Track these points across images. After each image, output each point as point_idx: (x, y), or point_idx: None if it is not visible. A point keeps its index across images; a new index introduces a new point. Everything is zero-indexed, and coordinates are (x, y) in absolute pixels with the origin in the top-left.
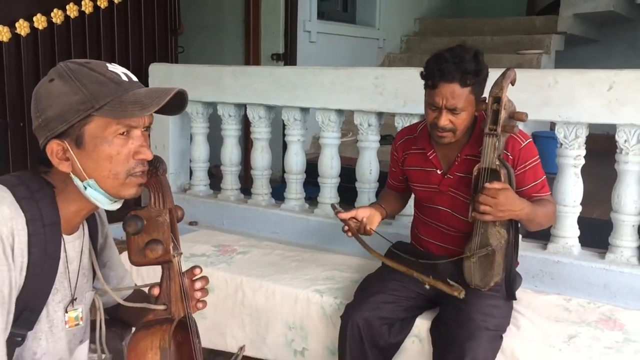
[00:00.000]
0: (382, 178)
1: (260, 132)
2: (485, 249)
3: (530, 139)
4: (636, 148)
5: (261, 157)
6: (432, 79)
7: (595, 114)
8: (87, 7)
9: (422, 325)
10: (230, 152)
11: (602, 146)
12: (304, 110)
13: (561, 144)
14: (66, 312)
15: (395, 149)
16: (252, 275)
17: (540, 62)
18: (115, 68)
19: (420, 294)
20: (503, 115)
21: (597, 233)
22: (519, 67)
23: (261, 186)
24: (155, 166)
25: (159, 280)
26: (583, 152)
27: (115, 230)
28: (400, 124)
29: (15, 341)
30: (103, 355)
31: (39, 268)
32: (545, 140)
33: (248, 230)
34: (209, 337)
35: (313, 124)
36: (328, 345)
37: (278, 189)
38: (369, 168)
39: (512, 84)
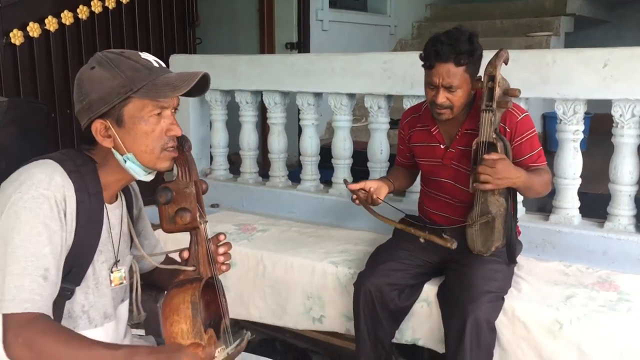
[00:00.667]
0: (392, 159)
1: (276, 117)
2: (485, 216)
3: (527, 113)
4: (631, 122)
5: (277, 141)
6: (429, 59)
7: (591, 91)
8: (110, 2)
9: (430, 290)
10: (249, 137)
11: (609, 126)
12: (317, 95)
13: (560, 120)
14: (111, 272)
15: (402, 127)
16: (272, 250)
17: (549, 44)
18: (147, 56)
19: (427, 262)
20: (497, 92)
21: (602, 208)
22: (528, 49)
23: (278, 169)
24: (181, 144)
25: (187, 246)
26: (582, 127)
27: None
28: (408, 105)
29: (65, 294)
30: (139, 314)
31: (85, 231)
32: (554, 120)
33: (266, 211)
34: (232, 308)
35: (327, 109)
36: (344, 312)
37: (294, 172)
38: (379, 149)
39: (505, 63)
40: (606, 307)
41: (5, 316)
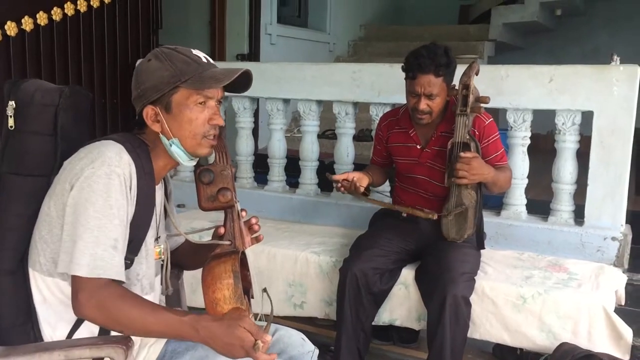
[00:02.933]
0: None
1: (245, 121)
2: (460, 207)
3: (492, 119)
4: (571, 129)
5: (246, 144)
6: (412, 71)
7: (539, 102)
8: (82, 6)
9: (407, 274)
10: None
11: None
12: (286, 102)
13: (511, 127)
14: (154, 247)
15: (380, 129)
16: None
17: None
18: (198, 53)
19: (404, 249)
20: (471, 98)
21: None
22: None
23: (245, 170)
24: (219, 132)
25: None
26: (529, 134)
27: None
28: (374, 112)
29: (126, 263)
30: (167, 289)
31: (142, 207)
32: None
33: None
34: None
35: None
36: (325, 298)
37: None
38: (346, 152)
39: (477, 74)
40: (560, 284)
41: (76, 279)
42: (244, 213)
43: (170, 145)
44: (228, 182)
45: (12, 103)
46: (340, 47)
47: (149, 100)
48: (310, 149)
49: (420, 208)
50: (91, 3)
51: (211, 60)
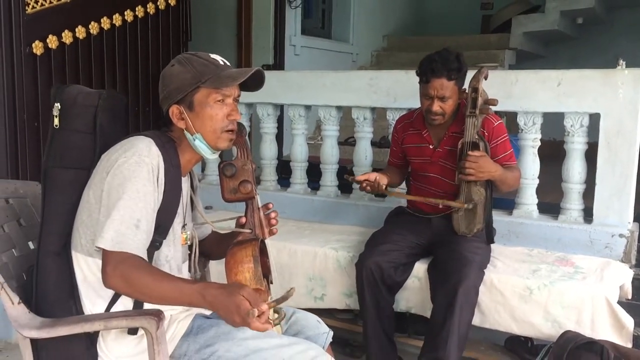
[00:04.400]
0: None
1: (269, 127)
2: (470, 203)
3: (501, 121)
4: (579, 131)
5: (269, 149)
6: (426, 75)
7: (547, 105)
8: (117, 20)
9: (419, 268)
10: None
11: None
12: (307, 108)
13: (522, 130)
14: (181, 233)
15: (396, 131)
16: (275, 239)
17: None
18: (215, 56)
19: (417, 244)
20: (480, 101)
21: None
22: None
23: (269, 174)
24: (240, 129)
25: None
26: (539, 136)
27: None
28: (391, 117)
29: (155, 245)
30: (195, 273)
31: (170, 194)
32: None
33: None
34: None
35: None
36: (344, 291)
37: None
38: (364, 155)
39: (485, 79)
40: (566, 277)
41: (104, 253)
42: (270, 205)
43: (194, 140)
44: (249, 175)
45: (57, 105)
46: (363, 57)
47: (174, 100)
48: (330, 152)
49: (444, 199)
50: (126, 17)
51: (227, 63)
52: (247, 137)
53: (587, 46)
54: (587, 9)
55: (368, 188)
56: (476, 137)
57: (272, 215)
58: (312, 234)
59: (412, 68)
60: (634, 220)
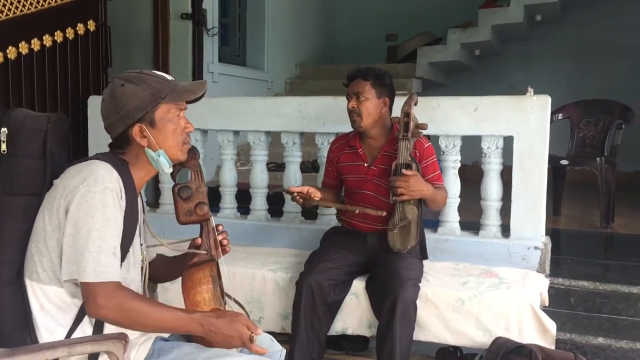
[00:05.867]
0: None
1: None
2: (404, 221)
3: (430, 144)
4: (495, 152)
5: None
6: (347, 79)
7: (466, 129)
8: (35, 45)
9: (358, 285)
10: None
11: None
12: (236, 133)
13: (443, 152)
14: (140, 253)
15: (332, 151)
16: None
17: None
18: (160, 73)
19: (355, 262)
20: (412, 125)
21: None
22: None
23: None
24: (193, 152)
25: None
26: (459, 158)
27: None
28: (319, 141)
29: None
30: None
31: (130, 217)
32: None
33: (189, 237)
34: None
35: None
36: (281, 312)
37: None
38: (294, 178)
39: (415, 105)
40: (492, 287)
41: (88, 285)
42: (220, 227)
43: (158, 156)
44: (204, 197)
45: (4, 130)
46: (277, 84)
47: (134, 119)
48: (260, 177)
49: (370, 207)
50: (44, 42)
51: (171, 78)
52: (199, 160)
53: (484, 76)
54: (483, 41)
55: (299, 199)
56: (409, 158)
57: (222, 237)
58: (248, 257)
59: (324, 95)
60: (546, 234)
